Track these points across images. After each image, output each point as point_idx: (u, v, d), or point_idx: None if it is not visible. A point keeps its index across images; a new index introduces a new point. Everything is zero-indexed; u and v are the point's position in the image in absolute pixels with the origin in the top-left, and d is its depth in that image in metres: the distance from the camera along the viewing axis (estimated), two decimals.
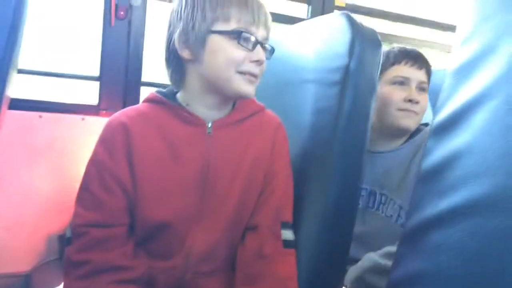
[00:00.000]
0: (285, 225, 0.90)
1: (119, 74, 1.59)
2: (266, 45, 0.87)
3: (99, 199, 0.81)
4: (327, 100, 0.96)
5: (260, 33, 0.84)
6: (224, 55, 0.82)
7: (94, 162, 0.84)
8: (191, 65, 0.86)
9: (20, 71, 1.39)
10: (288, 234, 0.89)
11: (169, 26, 0.87)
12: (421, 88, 1.24)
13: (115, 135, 0.83)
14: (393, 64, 1.24)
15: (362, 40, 0.95)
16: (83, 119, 1.51)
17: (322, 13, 1.89)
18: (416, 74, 1.24)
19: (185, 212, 0.84)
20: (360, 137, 0.98)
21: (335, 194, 0.94)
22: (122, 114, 0.86)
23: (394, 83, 1.23)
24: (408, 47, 1.29)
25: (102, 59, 1.58)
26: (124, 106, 1.58)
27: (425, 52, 2.37)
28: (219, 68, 0.82)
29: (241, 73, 0.83)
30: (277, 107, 1.01)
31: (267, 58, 0.87)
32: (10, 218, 1.43)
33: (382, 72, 1.21)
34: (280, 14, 1.89)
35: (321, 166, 0.95)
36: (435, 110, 0.74)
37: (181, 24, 0.83)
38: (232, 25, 0.81)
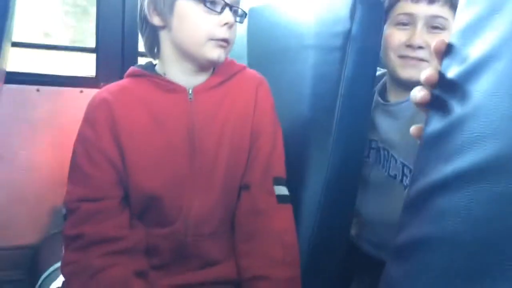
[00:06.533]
0: (277, 181, 0.91)
1: (115, 45, 1.56)
2: (237, 9, 0.86)
3: (87, 175, 0.83)
4: (328, 66, 0.94)
5: None
6: (192, 19, 0.82)
7: (80, 140, 0.85)
8: (163, 32, 0.86)
9: (14, 44, 1.36)
10: (281, 190, 0.91)
11: None
12: (434, 27, 0.98)
13: (97, 111, 0.85)
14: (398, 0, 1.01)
15: (364, 4, 0.92)
16: (81, 91, 1.49)
17: None
18: (424, 10, 0.97)
19: (177, 178, 0.86)
20: (363, 104, 0.97)
21: (337, 161, 0.94)
22: (104, 90, 0.88)
23: (397, 23, 1.01)
24: None
25: (97, 30, 1.55)
26: (122, 77, 1.56)
27: None
28: (189, 33, 0.83)
29: (212, 40, 0.82)
30: (277, 73, 0.99)
31: (239, 22, 0.87)
32: (14, 192, 1.43)
33: (388, 10, 1.02)
34: None
35: (323, 133, 0.94)
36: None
37: None
38: None
